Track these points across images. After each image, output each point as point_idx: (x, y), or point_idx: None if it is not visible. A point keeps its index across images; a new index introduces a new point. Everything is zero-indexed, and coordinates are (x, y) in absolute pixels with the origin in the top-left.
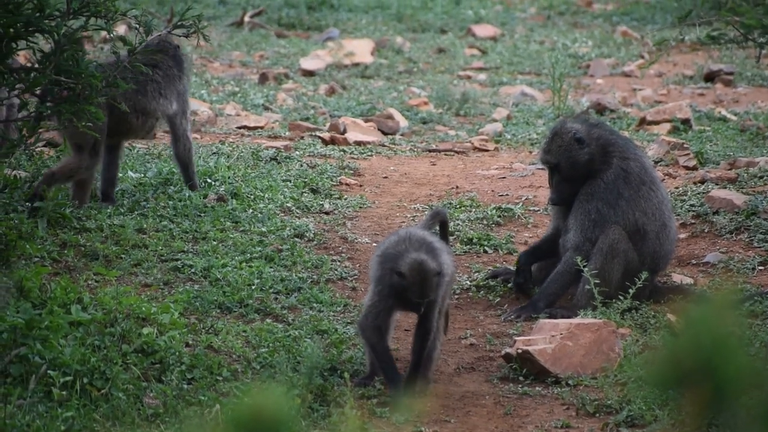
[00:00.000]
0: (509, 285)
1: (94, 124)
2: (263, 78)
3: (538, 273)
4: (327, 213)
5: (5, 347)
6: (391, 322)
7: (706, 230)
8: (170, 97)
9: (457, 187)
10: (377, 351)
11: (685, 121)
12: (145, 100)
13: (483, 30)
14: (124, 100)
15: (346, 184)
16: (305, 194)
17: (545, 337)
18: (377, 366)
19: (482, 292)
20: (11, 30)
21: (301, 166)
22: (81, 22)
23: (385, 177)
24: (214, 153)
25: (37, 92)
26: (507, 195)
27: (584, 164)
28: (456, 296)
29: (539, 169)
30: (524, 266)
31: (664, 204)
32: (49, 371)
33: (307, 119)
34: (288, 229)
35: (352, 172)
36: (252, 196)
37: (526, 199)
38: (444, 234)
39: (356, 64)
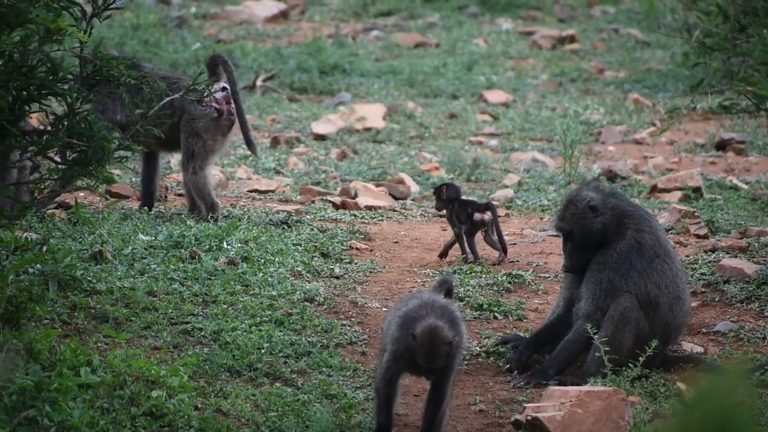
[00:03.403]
0: None
1: None
2: (275, 142)
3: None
4: (337, 277)
5: (14, 409)
6: (399, 384)
7: (716, 299)
8: None
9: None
10: (380, 395)
11: (696, 190)
12: None
13: (495, 96)
14: None
15: (357, 249)
16: (316, 258)
17: (555, 404)
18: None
19: (492, 358)
20: (24, 92)
21: (312, 230)
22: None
23: (396, 242)
24: (225, 216)
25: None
26: (517, 261)
27: (597, 233)
28: (466, 362)
29: (550, 235)
30: (525, 353)
31: (679, 277)
32: None
33: (318, 183)
34: (298, 293)
35: (362, 236)
36: (262, 260)
37: (536, 265)
38: None
39: (368, 129)
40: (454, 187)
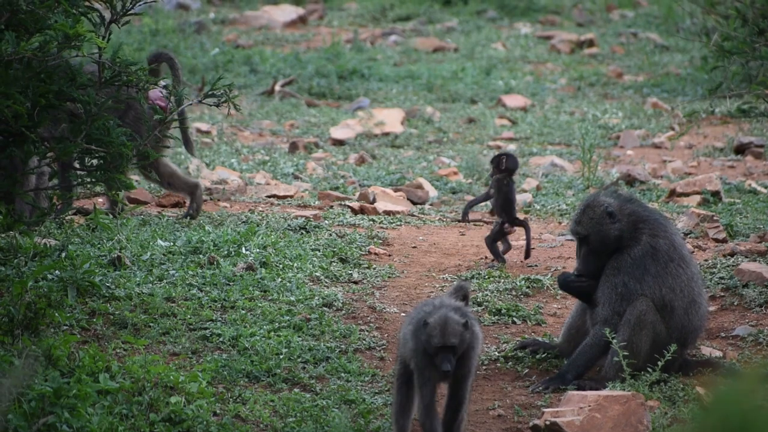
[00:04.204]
0: (537, 356)
1: None
2: (293, 147)
3: (567, 346)
4: (356, 282)
5: (33, 416)
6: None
7: (735, 303)
8: None
9: (486, 257)
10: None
11: (715, 194)
12: None
13: (513, 100)
14: None
15: (375, 254)
16: (334, 263)
17: (573, 409)
18: None
19: (510, 363)
20: (42, 99)
21: (330, 235)
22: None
23: (414, 247)
24: (244, 222)
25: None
26: (536, 266)
27: (613, 239)
28: (484, 367)
29: (569, 239)
30: None
31: (694, 281)
32: None
33: (336, 188)
34: (316, 298)
35: (381, 241)
36: (281, 265)
37: (555, 270)
38: None
39: (386, 134)
40: (514, 158)
